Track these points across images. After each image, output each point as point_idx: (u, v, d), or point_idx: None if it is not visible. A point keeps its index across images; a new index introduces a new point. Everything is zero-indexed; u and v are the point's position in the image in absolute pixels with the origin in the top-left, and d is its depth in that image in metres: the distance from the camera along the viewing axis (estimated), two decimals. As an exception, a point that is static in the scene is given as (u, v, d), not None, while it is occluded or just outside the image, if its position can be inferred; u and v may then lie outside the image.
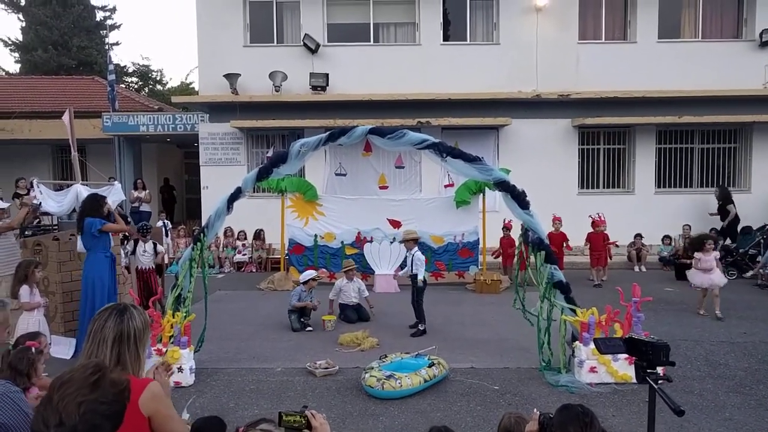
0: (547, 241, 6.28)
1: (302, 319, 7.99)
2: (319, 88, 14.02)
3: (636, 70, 14.01)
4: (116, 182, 8.70)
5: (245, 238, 13.69)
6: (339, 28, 14.76)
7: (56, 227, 9.84)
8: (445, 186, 13.44)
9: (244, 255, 13.56)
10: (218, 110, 14.57)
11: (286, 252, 11.85)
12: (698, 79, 13.82)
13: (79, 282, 6.96)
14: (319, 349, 6.90)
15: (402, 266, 8.50)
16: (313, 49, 14.15)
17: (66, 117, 8.33)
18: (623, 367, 5.60)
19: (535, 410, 2.55)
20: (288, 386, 5.73)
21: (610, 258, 11.80)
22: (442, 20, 14.55)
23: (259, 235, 13.52)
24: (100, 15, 31.88)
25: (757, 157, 14.41)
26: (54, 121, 14.70)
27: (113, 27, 32.54)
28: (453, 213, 11.23)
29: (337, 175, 14.11)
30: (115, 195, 8.05)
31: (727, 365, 6.27)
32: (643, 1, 14.26)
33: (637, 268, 12.84)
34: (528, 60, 14.16)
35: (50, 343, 5.44)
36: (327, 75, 14.03)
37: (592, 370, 5.69)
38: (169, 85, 34.57)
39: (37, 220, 9.86)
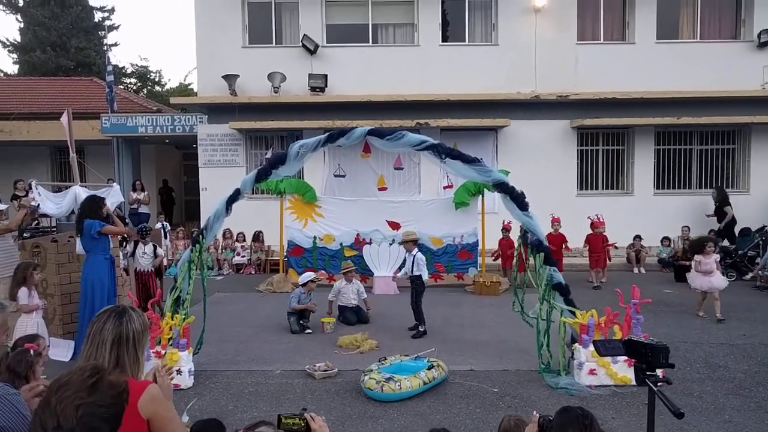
0: (546, 243, 6.28)
1: (301, 321, 7.98)
2: (317, 89, 14.02)
3: (634, 70, 14.03)
4: (115, 184, 8.70)
5: (244, 240, 13.67)
6: (338, 29, 14.77)
7: (55, 229, 9.83)
8: (444, 187, 13.44)
9: (243, 257, 13.55)
10: (217, 111, 14.56)
11: (285, 254, 11.83)
12: (697, 80, 13.84)
13: (77, 284, 6.95)
14: (318, 352, 6.89)
15: (401, 268, 8.49)
16: (311, 50, 14.15)
17: (64, 118, 8.31)
18: (623, 369, 5.59)
19: (534, 413, 2.54)
20: (287, 389, 5.71)
21: (609, 259, 11.81)
22: (440, 21, 14.57)
23: (258, 236, 13.52)
24: (98, 16, 31.89)
25: (756, 158, 14.42)
26: (52, 123, 14.69)
27: (112, 28, 32.53)
28: (452, 214, 11.23)
29: (336, 176, 14.11)
30: (113, 197, 8.04)
31: (726, 367, 6.27)
32: (641, 1, 14.28)
33: (636, 270, 12.85)
34: (527, 61, 14.18)
35: (49, 346, 5.42)
36: (326, 76, 14.03)
37: (592, 372, 5.68)
38: (167, 87, 34.62)
39: (36, 222, 9.85)
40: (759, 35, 13.97)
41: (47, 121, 16.09)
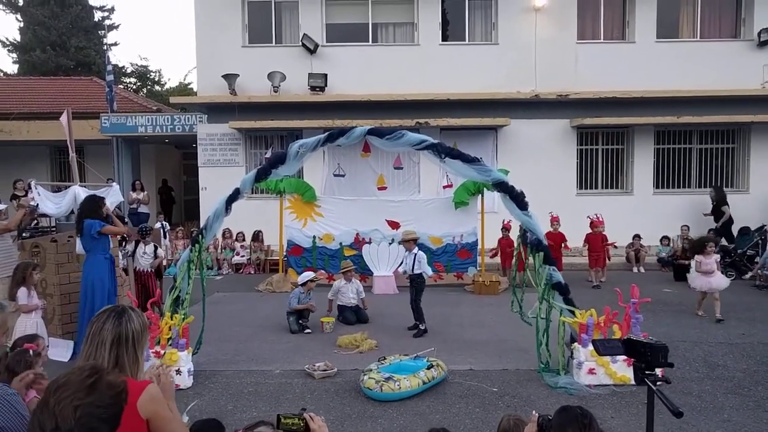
0: (545, 242, 6.28)
1: (301, 321, 7.98)
2: (317, 89, 14.01)
3: (634, 70, 14.03)
4: (114, 183, 8.70)
5: (244, 240, 13.67)
6: (337, 29, 14.76)
7: (54, 229, 9.82)
8: (444, 187, 13.44)
9: (243, 256, 13.54)
10: (217, 111, 14.56)
11: (285, 253, 11.83)
12: (697, 79, 13.83)
13: (77, 284, 6.95)
14: (317, 351, 6.89)
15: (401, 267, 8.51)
16: (311, 50, 14.14)
17: (64, 118, 8.31)
18: (622, 369, 5.59)
19: (533, 412, 2.55)
20: (286, 388, 5.72)
21: (609, 259, 11.81)
22: (440, 20, 14.56)
23: (257, 236, 13.51)
24: (98, 15, 31.88)
25: (756, 157, 14.42)
26: (52, 122, 14.68)
27: (111, 27, 32.50)
28: (452, 214, 11.23)
29: (335, 176, 14.11)
30: (113, 196, 8.04)
31: (725, 366, 6.27)
32: (641, 0, 14.27)
33: (635, 269, 12.84)
34: (527, 60, 14.17)
35: (48, 346, 5.42)
36: (326, 75, 14.02)
37: (591, 371, 5.69)
38: (167, 86, 34.59)
39: (35, 222, 9.84)
40: (759, 34, 13.96)
41: (47, 120, 16.09)
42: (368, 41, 14.70)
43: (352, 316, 8.45)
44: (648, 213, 13.99)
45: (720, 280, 8.36)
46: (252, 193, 11.75)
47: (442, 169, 10.54)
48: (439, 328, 7.94)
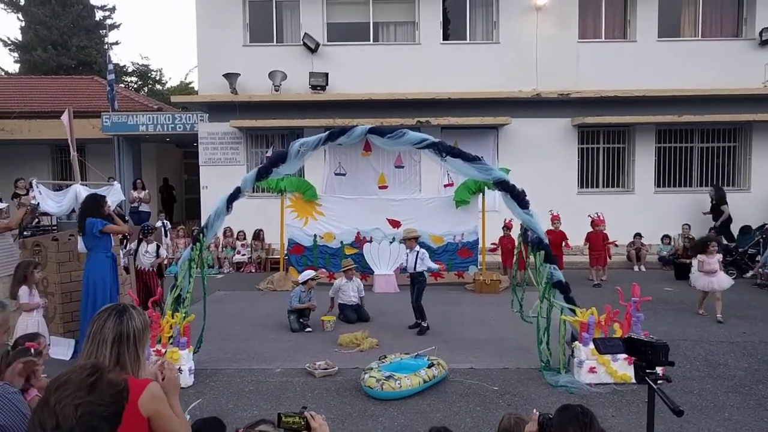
0: (546, 241, 6.28)
1: (301, 320, 7.99)
2: (318, 88, 14.01)
3: (636, 69, 14.01)
4: (115, 182, 8.68)
5: (244, 238, 13.68)
6: (338, 28, 14.76)
7: (55, 227, 9.84)
8: (445, 186, 13.43)
9: (244, 255, 13.55)
10: (218, 110, 14.56)
11: (286, 252, 11.84)
12: (698, 78, 13.82)
13: (78, 282, 6.96)
14: (318, 350, 6.90)
15: (404, 268, 8.52)
16: (312, 49, 14.14)
17: (65, 117, 8.31)
18: (623, 368, 5.59)
19: (534, 411, 2.55)
20: (287, 387, 5.72)
21: (610, 258, 11.80)
22: (441, 19, 14.55)
23: (258, 235, 13.52)
24: (99, 14, 31.89)
25: (757, 156, 14.40)
26: (53, 121, 14.68)
27: (112, 26, 32.55)
28: (452, 213, 11.23)
29: (336, 174, 14.10)
30: (114, 195, 8.04)
31: (726, 365, 6.27)
32: None
33: (636, 268, 12.84)
34: (528, 59, 14.16)
35: (49, 344, 5.42)
36: (326, 74, 14.02)
37: (592, 370, 5.69)
38: (168, 85, 34.59)
39: (37, 220, 9.85)
40: (760, 33, 13.94)
41: (48, 119, 16.10)
42: (369, 40, 14.70)
43: (353, 314, 8.46)
44: (649, 212, 13.98)
45: (723, 280, 8.33)
46: (253, 191, 11.75)
47: (443, 168, 10.52)
48: (440, 327, 7.94)
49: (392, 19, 14.96)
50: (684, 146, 14.71)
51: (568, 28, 14.26)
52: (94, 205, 6.76)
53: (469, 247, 11.35)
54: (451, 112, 13.97)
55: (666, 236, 13.28)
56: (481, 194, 11.08)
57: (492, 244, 11.70)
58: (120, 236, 8.25)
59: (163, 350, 5.71)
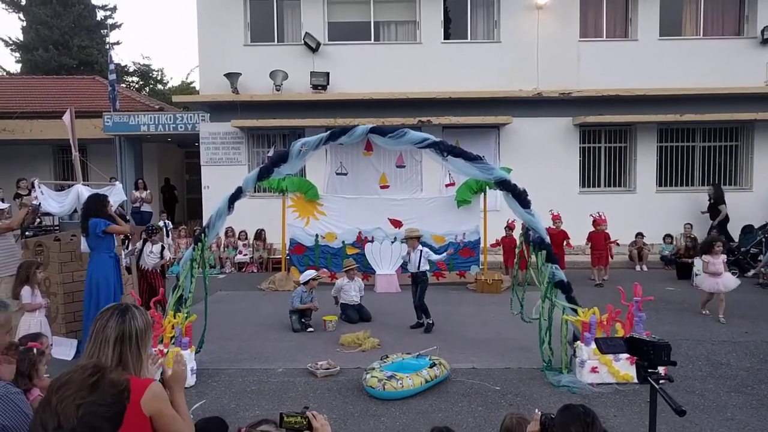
0: (548, 240, 6.27)
1: (303, 320, 7.99)
2: (319, 87, 14.01)
3: (637, 67, 13.99)
4: (117, 182, 8.69)
5: (246, 238, 13.68)
6: (340, 27, 14.75)
7: (57, 228, 9.84)
8: (446, 185, 13.43)
9: (245, 255, 13.55)
10: (219, 110, 14.57)
11: (287, 252, 11.84)
12: (700, 77, 13.80)
13: (80, 282, 6.96)
14: (320, 350, 6.90)
15: (403, 266, 8.54)
16: (313, 48, 14.14)
17: (67, 117, 8.32)
18: (625, 367, 5.59)
19: (536, 411, 2.55)
20: (289, 387, 5.72)
21: (612, 257, 11.78)
22: (442, 18, 14.53)
23: (260, 235, 13.52)
24: (100, 14, 31.93)
25: (759, 155, 14.38)
26: (55, 121, 14.69)
27: (114, 26, 32.58)
28: (454, 212, 11.22)
29: (338, 174, 14.11)
30: (116, 195, 8.05)
31: (728, 365, 6.26)
32: (644, -1, 14.25)
33: (638, 268, 12.82)
34: (529, 58, 14.14)
35: (52, 344, 5.45)
36: (328, 74, 14.02)
37: (594, 370, 5.68)
38: (169, 85, 34.63)
39: (39, 220, 9.87)
40: (762, 32, 13.91)
41: (50, 119, 16.11)
42: (370, 39, 14.69)
43: (355, 314, 8.46)
44: (651, 211, 13.96)
45: (728, 281, 8.26)
46: (254, 191, 11.72)
47: (445, 168, 10.51)
48: (442, 327, 7.94)
49: (393, 18, 14.95)
50: (686, 145, 14.69)
51: (569, 27, 14.25)
52: (96, 205, 6.77)
53: (471, 247, 11.34)
54: (452, 111, 13.96)
55: (668, 236, 13.26)
56: (482, 194, 11.06)
57: (495, 240, 11.68)
58: (122, 236, 8.25)
59: (166, 350, 5.71)
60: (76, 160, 8.31)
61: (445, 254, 8.53)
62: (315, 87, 14.00)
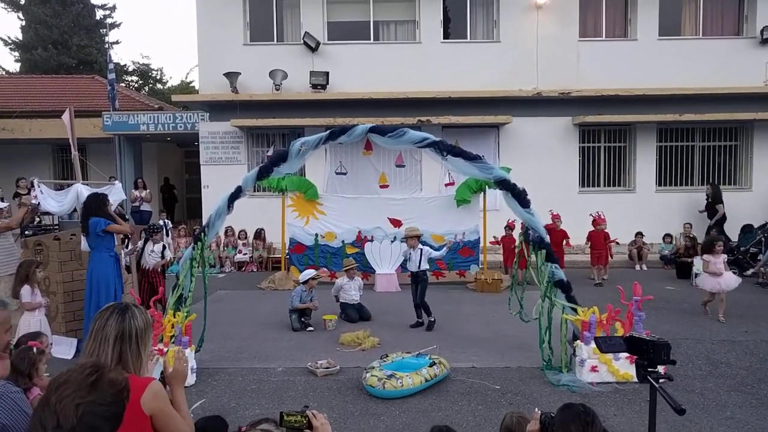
0: (547, 239, 6.27)
1: (303, 319, 7.99)
2: (319, 87, 14.00)
3: (637, 67, 14.00)
4: (117, 182, 8.67)
5: (246, 238, 13.68)
6: (339, 26, 14.75)
7: (57, 227, 9.84)
8: (446, 185, 13.43)
9: (245, 254, 13.55)
10: (218, 109, 14.57)
11: (287, 251, 11.84)
12: (699, 77, 13.80)
13: (80, 282, 6.96)
14: (320, 349, 6.90)
15: (403, 265, 8.56)
16: (313, 48, 14.13)
17: (66, 116, 8.31)
18: (624, 366, 5.59)
19: (536, 409, 2.55)
20: (289, 386, 5.73)
21: (611, 257, 11.78)
22: (442, 18, 14.53)
23: (259, 234, 13.52)
24: (99, 13, 31.91)
25: (758, 154, 14.39)
26: (54, 121, 14.69)
27: (113, 26, 32.54)
28: (454, 212, 11.22)
29: (337, 173, 14.11)
30: (115, 194, 8.04)
31: (728, 364, 6.27)
32: (643, -2, 14.25)
33: (638, 267, 12.82)
34: (528, 58, 14.14)
35: (52, 343, 5.45)
36: (327, 73, 14.02)
37: (594, 369, 5.69)
38: (169, 84, 34.59)
39: (37, 219, 9.86)
40: (762, 32, 13.92)
41: (49, 119, 16.10)
42: (370, 39, 14.69)
43: (355, 313, 8.46)
44: (650, 211, 13.97)
45: (730, 280, 8.23)
46: (254, 191, 11.74)
47: (444, 167, 10.52)
48: (442, 326, 7.95)
49: (393, 17, 14.95)
50: (685, 145, 14.70)
51: (569, 26, 14.25)
52: (96, 204, 6.77)
53: (471, 246, 11.34)
54: (451, 111, 13.96)
55: (667, 235, 13.27)
56: (482, 193, 11.07)
57: (494, 237, 11.68)
58: (122, 236, 8.25)
59: (165, 349, 5.71)
60: (76, 160, 8.30)
61: (445, 248, 8.54)
62: (314, 86, 14.00)
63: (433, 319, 7.91)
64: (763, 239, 11.93)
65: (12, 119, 16.84)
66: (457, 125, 14.09)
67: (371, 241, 11.39)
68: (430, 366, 5.68)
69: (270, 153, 13.89)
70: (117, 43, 36.32)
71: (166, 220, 14.37)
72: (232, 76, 13.93)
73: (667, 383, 2.51)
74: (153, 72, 34.55)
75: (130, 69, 33.33)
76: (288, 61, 14.19)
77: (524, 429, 2.60)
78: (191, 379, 5.75)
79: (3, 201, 8.38)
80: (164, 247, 8.69)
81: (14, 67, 31.64)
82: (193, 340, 6.16)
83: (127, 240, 8.93)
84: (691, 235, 12.44)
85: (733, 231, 12.95)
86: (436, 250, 8.69)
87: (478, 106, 13.92)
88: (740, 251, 11.92)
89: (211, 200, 13.04)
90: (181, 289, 6.24)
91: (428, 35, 14.45)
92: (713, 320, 8.14)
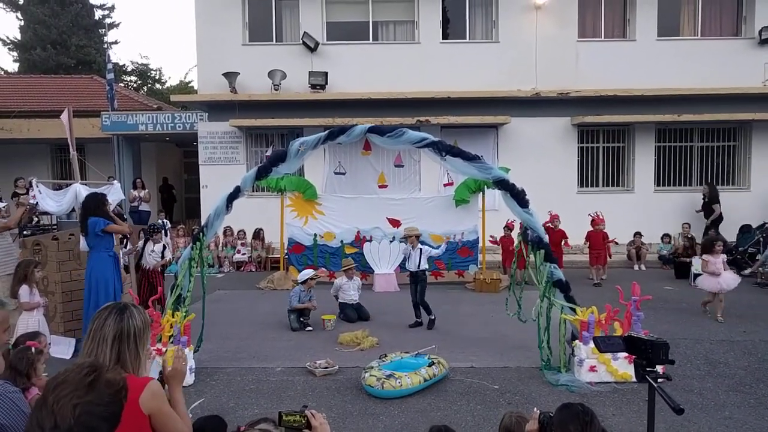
0: (546, 239, 6.28)
1: (302, 319, 7.99)
2: (318, 87, 14.00)
3: (635, 68, 14.01)
4: (115, 181, 8.67)
5: (245, 238, 13.67)
6: (338, 27, 14.75)
7: (56, 227, 9.83)
8: (445, 185, 13.43)
9: (244, 254, 13.55)
10: (217, 109, 14.56)
11: (286, 251, 11.84)
12: (697, 77, 13.82)
13: (78, 281, 6.96)
14: (318, 349, 6.90)
15: (402, 265, 8.56)
16: (312, 48, 14.13)
17: (65, 116, 8.30)
18: (623, 366, 5.60)
19: (535, 409, 2.55)
20: (288, 386, 5.72)
21: (610, 257, 11.79)
22: (441, 18, 14.54)
23: (258, 234, 13.52)
24: (98, 13, 31.89)
25: (757, 155, 14.40)
26: (53, 121, 14.68)
27: (112, 25, 32.52)
28: (452, 212, 11.23)
29: (336, 173, 14.10)
30: (114, 194, 8.04)
31: (726, 364, 6.27)
32: (642, -1, 14.26)
33: (636, 267, 12.84)
34: (527, 58, 14.15)
35: (50, 343, 5.43)
36: (326, 73, 14.01)
37: (592, 369, 5.69)
38: (168, 84, 34.58)
39: (36, 219, 9.85)
40: (760, 32, 13.94)
41: (48, 119, 16.09)
42: (369, 39, 14.69)
43: (354, 313, 8.46)
44: (649, 211, 13.99)
45: (729, 280, 8.23)
46: (253, 191, 11.75)
47: (443, 167, 10.51)
48: (441, 326, 7.95)
49: (392, 18, 14.95)
50: (684, 145, 14.71)
51: (568, 27, 14.26)
52: (95, 204, 6.77)
53: (469, 246, 11.35)
54: (450, 111, 13.97)
55: (666, 235, 13.28)
56: (480, 193, 11.08)
57: (491, 236, 11.67)
58: (120, 236, 8.25)
59: (164, 349, 5.71)
60: (74, 160, 8.30)
61: (443, 245, 8.56)
62: (313, 86, 14.00)
63: (433, 318, 7.94)
64: (761, 239, 11.95)
65: (10, 119, 16.83)
66: (456, 125, 14.09)
67: (370, 241, 11.39)
68: (429, 366, 5.68)
69: (269, 153, 13.89)
70: (116, 43, 36.44)
71: (165, 220, 14.37)
72: (231, 76, 13.92)
73: (665, 383, 2.51)
74: (152, 72, 34.58)
75: (129, 69, 33.33)
76: (287, 61, 14.19)
77: (523, 429, 2.60)
78: (190, 378, 5.75)
79: (1, 201, 8.37)
80: (164, 247, 8.69)
81: (13, 67, 31.66)
82: (192, 339, 6.16)
83: (125, 240, 8.93)
84: (690, 235, 12.45)
85: (731, 231, 12.96)
86: (435, 248, 8.72)
87: (476, 107, 13.92)
88: (739, 251, 11.93)
89: (209, 200, 13.02)
90: (179, 289, 6.24)
91: (427, 35, 14.46)
92: (712, 320, 8.15)
